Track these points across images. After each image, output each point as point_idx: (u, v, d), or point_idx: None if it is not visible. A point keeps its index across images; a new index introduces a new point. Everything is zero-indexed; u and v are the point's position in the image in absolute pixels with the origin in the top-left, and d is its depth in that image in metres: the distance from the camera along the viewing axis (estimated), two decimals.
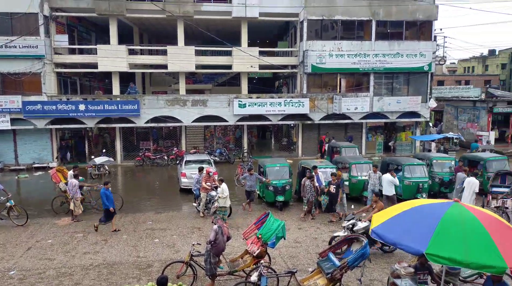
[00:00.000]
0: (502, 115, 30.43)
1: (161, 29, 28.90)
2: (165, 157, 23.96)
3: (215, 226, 8.57)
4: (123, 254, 10.62)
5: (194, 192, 14.64)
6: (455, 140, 27.62)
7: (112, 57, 23.87)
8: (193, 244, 8.92)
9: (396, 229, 6.03)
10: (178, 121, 24.34)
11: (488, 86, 44.22)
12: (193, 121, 24.54)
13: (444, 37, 52.30)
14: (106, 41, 25.54)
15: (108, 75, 26.19)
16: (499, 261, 5.02)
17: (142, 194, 17.54)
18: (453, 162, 16.49)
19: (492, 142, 28.47)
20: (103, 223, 12.31)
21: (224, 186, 12.64)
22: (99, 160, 18.80)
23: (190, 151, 23.80)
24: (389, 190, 13.54)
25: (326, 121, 25.91)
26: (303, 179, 13.79)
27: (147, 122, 24.00)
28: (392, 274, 7.16)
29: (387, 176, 13.65)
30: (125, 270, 9.62)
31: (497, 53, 63.11)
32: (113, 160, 20.58)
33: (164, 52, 25.39)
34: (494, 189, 13.58)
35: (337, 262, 7.74)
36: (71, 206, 13.41)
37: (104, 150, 23.14)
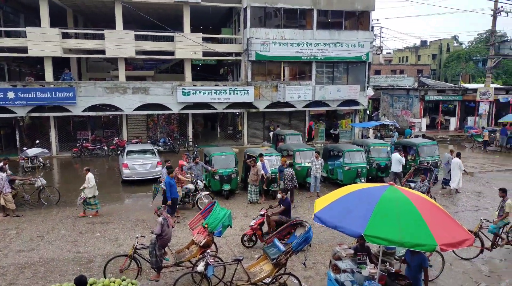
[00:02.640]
0: (433, 103, 32.62)
1: (98, 12, 27.40)
2: (105, 148, 22.95)
3: (160, 218, 8.41)
4: (61, 250, 10.10)
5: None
6: (390, 127, 29.23)
7: (43, 41, 22.23)
8: (137, 237, 8.69)
9: (336, 213, 6.26)
10: (119, 109, 23.37)
11: (420, 75, 47.17)
12: (135, 110, 23.70)
13: (381, 27, 54.71)
14: (37, 23, 23.75)
15: (40, 60, 24.39)
16: (430, 240, 5.41)
17: (80, 186, 16.66)
18: (388, 148, 17.43)
19: (424, 128, 30.52)
20: (172, 216, 11.56)
21: (89, 175, 12.68)
22: (32, 151, 17.58)
23: (132, 140, 23.00)
24: (396, 168, 15.22)
25: (271, 109, 26.22)
26: (286, 169, 13.71)
27: (84, 111, 22.79)
28: (333, 256, 7.47)
29: (396, 155, 15.34)
30: (64, 267, 9.17)
31: (428, 44, 67.31)
32: (47, 151, 19.37)
33: (101, 37, 24.12)
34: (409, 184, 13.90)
35: (282, 248, 7.93)
36: (1, 202, 12.47)
37: (37, 141, 21.65)
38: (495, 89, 31.63)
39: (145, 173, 16.56)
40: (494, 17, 28.01)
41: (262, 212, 10.25)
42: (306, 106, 26.72)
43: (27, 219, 12.40)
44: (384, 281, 6.75)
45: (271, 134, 24.67)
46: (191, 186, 13.48)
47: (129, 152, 17.36)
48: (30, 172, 18.68)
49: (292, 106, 26.40)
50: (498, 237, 9.85)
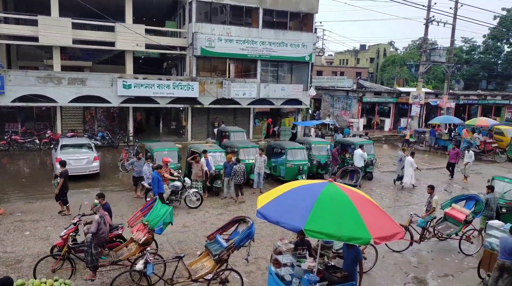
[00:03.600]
0: (369, 104, 34.31)
1: None
2: (37, 141, 21.45)
3: (97, 216, 8.04)
4: None
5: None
6: (331, 126, 30.33)
7: None
8: (71, 235, 8.25)
9: (278, 209, 6.39)
10: (52, 100, 21.96)
11: (358, 77, 49.45)
12: (70, 101, 22.42)
13: (323, 30, 56.32)
14: None
15: None
16: (365, 233, 5.69)
17: (8, 182, 15.50)
18: (328, 146, 18.07)
19: (361, 128, 32.01)
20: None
21: None
22: None
23: (67, 134, 21.72)
24: (359, 163, 16.39)
25: (216, 106, 26.07)
26: (238, 165, 13.75)
27: (13, 101, 21.14)
28: (274, 251, 7.61)
29: (359, 151, 16.57)
30: None
31: (367, 48, 70.68)
32: None
33: (34, 23, 22.49)
34: None
35: (225, 244, 7.93)
36: None
37: None
38: (426, 93, 33.98)
39: (80, 169, 15.73)
40: (426, 25, 30.02)
41: (75, 221, 8.72)
42: (251, 103, 26.91)
43: None
44: (322, 274, 6.99)
45: (215, 130, 24.53)
46: (178, 183, 13.05)
47: (63, 146, 16.38)
48: None
49: (237, 103, 26.46)
50: (425, 231, 10.60)
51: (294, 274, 7.07)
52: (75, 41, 23.56)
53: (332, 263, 7.69)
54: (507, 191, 11.83)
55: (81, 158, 15.84)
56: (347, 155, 18.31)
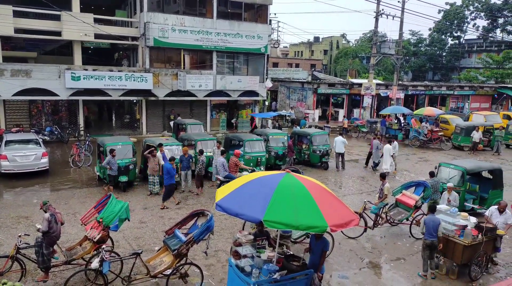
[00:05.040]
0: (324, 95, 35.05)
1: None
2: None
3: (47, 215, 7.67)
4: None
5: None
6: (287, 118, 30.71)
7: None
8: (20, 236, 7.82)
9: (237, 201, 6.39)
10: None
11: (313, 69, 50.34)
12: (14, 95, 21.11)
13: (278, 22, 56.65)
14: None
15: None
16: (322, 222, 5.83)
17: None
18: (286, 137, 18.31)
19: (317, 119, 32.67)
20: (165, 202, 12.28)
21: None
22: None
23: (12, 129, 20.44)
24: (341, 148, 17.65)
25: (171, 98, 25.55)
26: (202, 157, 13.83)
27: None
28: (234, 243, 7.63)
29: (340, 138, 17.93)
30: None
31: (321, 40, 71.98)
32: None
33: None
34: None
35: (184, 238, 7.85)
36: None
37: None
38: (377, 84, 35.21)
39: (28, 166, 14.91)
40: (376, 18, 31.02)
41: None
42: (208, 95, 26.64)
43: None
44: (281, 263, 7.11)
45: (171, 123, 24.08)
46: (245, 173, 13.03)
47: (8, 142, 15.44)
48: None
49: (193, 95, 26.08)
50: (378, 217, 11.06)
51: (254, 265, 7.13)
52: (17, 31, 22.09)
53: (291, 252, 7.83)
54: (452, 177, 12.58)
55: (28, 155, 14.99)
56: (303, 146, 18.65)
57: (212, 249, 9.46)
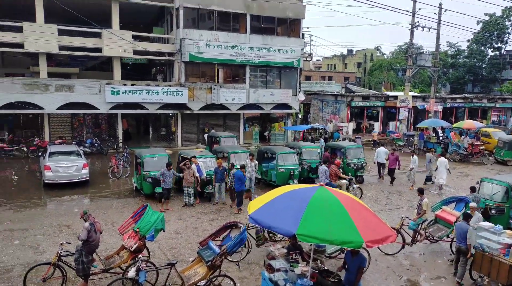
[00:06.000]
0: (358, 108, 34.58)
1: (15, 2, 25.21)
2: (24, 149, 21.15)
3: (87, 224, 7.94)
4: None
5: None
6: (320, 131, 30.48)
7: None
8: (61, 244, 8.13)
9: (270, 214, 6.39)
10: (39, 108, 21.71)
11: (347, 82, 49.87)
12: (58, 108, 22.18)
13: (311, 35, 56.82)
14: None
15: None
16: (357, 237, 5.71)
17: None
18: (319, 150, 18.16)
19: (351, 132, 32.23)
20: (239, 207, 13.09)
21: None
22: None
23: (55, 141, 21.45)
24: (382, 159, 18.12)
25: (205, 111, 26.03)
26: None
27: (0, 109, 20.85)
28: (267, 256, 7.60)
29: (382, 148, 18.42)
30: None
31: (354, 53, 71.36)
32: None
33: (19, 29, 22.21)
34: None
35: (217, 250, 7.89)
36: None
37: None
38: (413, 96, 34.39)
39: (69, 176, 15.54)
40: (412, 31, 30.46)
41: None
42: (241, 108, 26.94)
43: None
44: (316, 278, 6.99)
45: (205, 136, 24.47)
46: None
47: (52, 154, 16.17)
48: None
49: (227, 109, 26.45)
50: (417, 233, 10.69)
51: (288, 279, 7.06)
52: (61, 48, 23.34)
53: (326, 267, 7.70)
54: (495, 193, 12.00)
55: (70, 166, 15.64)
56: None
57: (245, 262, 9.44)
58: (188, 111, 25.57)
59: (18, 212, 12.75)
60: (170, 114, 26.47)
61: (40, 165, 17.22)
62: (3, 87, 20.78)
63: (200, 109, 25.75)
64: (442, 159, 16.94)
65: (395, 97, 33.82)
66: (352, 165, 17.63)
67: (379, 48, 74.06)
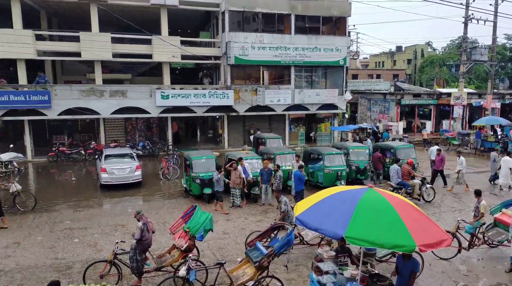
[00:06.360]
0: (409, 106, 33.35)
1: (72, 13, 26.87)
2: (82, 152, 22.48)
3: (140, 223, 8.29)
4: (39, 257, 9.83)
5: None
6: (368, 130, 29.72)
7: (16, 43, 21.68)
8: (117, 242, 8.55)
9: (317, 215, 6.31)
10: (95, 113, 22.95)
11: (396, 80, 48.23)
12: (112, 113, 23.33)
13: (357, 33, 55.65)
14: (9, 25, 23.07)
15: (12, 62, 23.72)
16: (409, 240, 5.51)
17: (57, 191, 16.31)
18: (367, 151, 17.72)
19: (401, 131, 31.14)
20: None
21: None
22: (6, 156, 16.99)
23: (110, 144, 22.59)
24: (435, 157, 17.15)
25: (251, 113, 26.26)
26: (279, 172, 14.42)
27: (60, 114, 22.28)
28: (315, 258, 7.53)
29: (436, 147, 18.05)
30: (41, 273, 8.92)
31: (403, 49, 68.92)
32: (22, 156, 18.75)
33: (76, 39, 23.64)
34: None
35: (265, 251, 7.94)
36: None
37: (12, 146, 20.98)
38: (468, 93, 32.60)
39: (123, 178, 16.29)
40: (466, 24, 28.91)
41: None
42: (286, 109, 26.90)
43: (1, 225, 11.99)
44: (366, 282, 6.84)
45: (251, 137, 24.69)
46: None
47: (107, 156, 17.04)
48: (4, 177, 18.11)
49: (272, 110, 26.52)
50: (474, 237, 10.13)
51: (337, 282, 6.96)
52: (114, 55, 24.55)
53: (376, 271, 7.50)
54: None
55: (124, 168, 16.39)
56: (386, 160, 17.88)
57: (293, 263, 9.42)
58: (234, 113, 25.93)
59: (77, 211, 13.57)
60: (217, 117, 26.98)
61: (97, 167, 18.21)
62: (63, 94, 22.19)
63: (246, 111, 26.02)
64: (506, 158, 16.08)
65: (449, 94, 32.26)
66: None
67: (430, 43, 71.08)
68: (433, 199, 14.65)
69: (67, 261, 9.60)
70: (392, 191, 13.82)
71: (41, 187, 17.09)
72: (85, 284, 7.28)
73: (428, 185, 14.67)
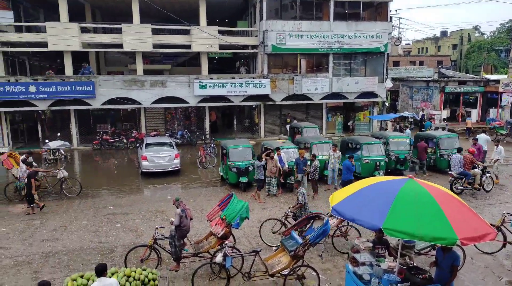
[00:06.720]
0: (453, 94, 31.92)
1: (115, 6, 27.65)
2: (124, 140, 23.33)
3: (179, 210, 8.51)
4: (84, 240, 10.37)
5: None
6: (410, 119, 28.77)
7: (63, 36, 22.64)
8: (157, 228, 8.84)
9: (354, 206, 6.22)
10: (137, 102, 23.67)
11: (440, 66, 46.18)
12: (153, 103, 23.96)
13: (399, 18, 53.64)
14: (56, 18, 24.12)
15: (59, 54, 24.86)
16: (450, 233, 5.32)
17: (101, 178, 17.06)
18: (407, 140, 17.18)
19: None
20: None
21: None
22: (53, 144, 18.03)
23: (151, 133, 23.29)
24: (484, 146, 17.18)
25: (288, 102, 26.11)
26: (315, 162, 14.21)
27: (103, 104, 23.17)
28: (352, 249, 7.44)
29: (483, 135, 17.89)
30: (86, 256, 9.41)
31: (448, 34, 65.76)
32: (68, 144, 19.78)
33: (119, 31, 24.38)
34: None
35: (300, 240, 7.94)
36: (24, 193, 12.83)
37: (59, 134, 22.13)
38: None
39: (163, 166, 16.76)
40: None
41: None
42: (323, 98, 26.52)
43: (50, 209, 12.71)
44: (404, 275, 6.69)
45: (287, 126, 24.59)
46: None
47: (148, 145, 17.58)
48: (52, 164, 19.16)
49: (309, 99, 26.24)
50: None
51: (373, 273, 6.85)
52: (155, 46, 25.10)
53: (414, 264, 7.32)
54: None
55: (164, 156, 16.86)
56: (429, 150, 17.27)
57: (328, 253, 9.38)
58: (270, 102, 25.88)
59: (119, 198, 14.14)
60: (254, 106, 27.05)
61: (138, 155, 18.84)
62: (107, 85, 23.02)
63: (282, 100, 25.89)
64: None
65: (497, 81, 30.56)
66: (446, 156, 16.40)
67: (478, 27, 67.35)
68: (491, 189, 14.34)
69: (110, 245, 10.06)
70: (453, 180, 13.95)
71: (85, 174, 17.93)
72: (126, 267, 7.59)
73: (488, 174, 14.26)
